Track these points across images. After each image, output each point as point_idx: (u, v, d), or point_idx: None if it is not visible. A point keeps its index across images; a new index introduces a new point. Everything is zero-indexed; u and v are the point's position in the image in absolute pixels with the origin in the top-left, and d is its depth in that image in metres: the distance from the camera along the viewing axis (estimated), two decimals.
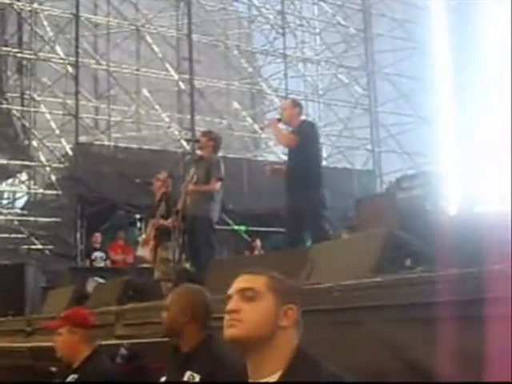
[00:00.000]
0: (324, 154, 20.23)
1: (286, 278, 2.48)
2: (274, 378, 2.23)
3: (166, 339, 5.24)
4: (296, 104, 7.85)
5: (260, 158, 19.76)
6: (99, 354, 4.56)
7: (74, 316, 4.62)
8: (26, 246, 15.57)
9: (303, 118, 7.90)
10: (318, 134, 8.00)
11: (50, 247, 15.42)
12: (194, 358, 3.48)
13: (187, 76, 17.96)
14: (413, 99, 20.33)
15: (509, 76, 17.24)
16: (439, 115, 20.46)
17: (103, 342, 5.22)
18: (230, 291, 2.41)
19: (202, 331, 3.58)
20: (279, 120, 7.65)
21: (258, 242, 14.92)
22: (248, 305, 2.33)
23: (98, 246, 13.88)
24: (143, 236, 9.92)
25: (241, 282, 2.44)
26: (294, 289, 2.49)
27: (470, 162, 18.18)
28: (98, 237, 14.00)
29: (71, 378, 4.42)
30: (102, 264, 13.52)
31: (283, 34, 19.80)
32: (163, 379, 3.65)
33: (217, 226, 8.68)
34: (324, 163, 20.19)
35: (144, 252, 10.07)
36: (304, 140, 7.35)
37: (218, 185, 8.36)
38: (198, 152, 9.95)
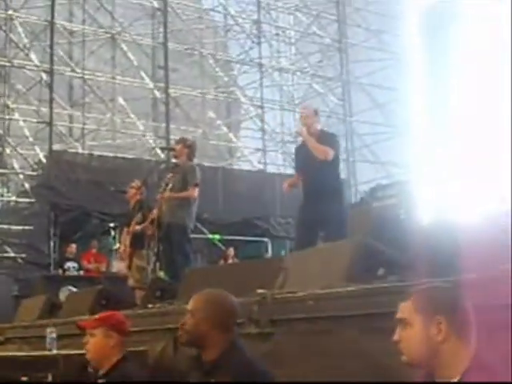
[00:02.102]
0: None
1: (428, 291, 2.54)
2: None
3: (141, 349, 5.23)
4: (317, 112, 7.71)
5: (235, 167, 19.76)
6: (128, 361, 4.27)
7: (112, 319, 4.33)
8: None
9: (319, 127, 7.66)
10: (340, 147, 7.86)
11: (23, 255, 15.27)
12: (220, 367, 3.30)
13: (162, 84, 17.93)
14: (387, 109, 20.46)
15: (483, 86, 17.41)
16: (413, 125, 20.58)
17: (76, 352, 5.17)
18: None
19: (227, 338, 3.38)
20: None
21: (232, 251, 14.94)
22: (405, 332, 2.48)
23: (71, 256, 13.82)
24: (118, 246, 9.89)
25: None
26: (438, 299, 2.49)
27: (444, 171, 18.29)
28: (72, 247, 13.93)
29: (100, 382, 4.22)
30: (74, 273, 13.44)
31: (259, 44, 19.83)
32: None
33: (191, 235, 8.67)
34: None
35: (120, 266, 10.03)
36: (336, 153, 7.32)
37: (195, 192, 8.36)
38: (174, 160, 9.95)
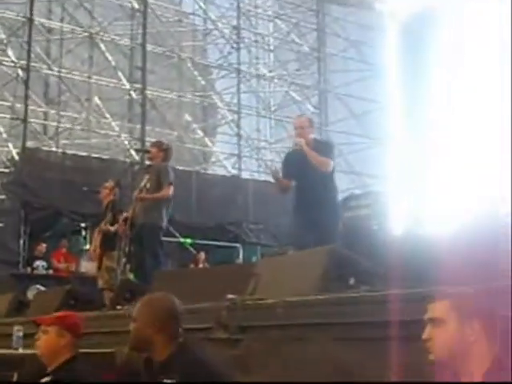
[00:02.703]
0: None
1: (468, 294, 2.59)
2: None
3: (109, 350, 5.19)
4: (311, 122, 7.62)
5: (209, 172, 19.73)
6: (78, 361, 4.28)
7: (68, 319, 4.39)
8: None
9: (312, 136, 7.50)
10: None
11: None
12: (170, 367, 3.32)
13: (139, 86, 17.87)
14: (363, 120, 20.56)
15: (461, 97, 17.55)
16: (389, 136, 20.69)
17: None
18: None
19: (174, 340, 3.42)
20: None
21: (203, 255, 14.92)
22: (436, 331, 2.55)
23: (41, 255, 13.72)
24: (89, 246, 9.85)
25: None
26: (477, 303, 2.56)
27: (418, 183, 18.39)
28: (42, 246, 13.84)
29: (44, 380, 4.23)
30: (43, 272, 13.34)
31: (238, 49, 19.84)
32: None
33: (163, 238, 8.66)
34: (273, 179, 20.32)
35: (88, 266, 9.97)
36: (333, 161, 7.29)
37: (170, 190, 8.38)
38: (148, 162, 9.94)
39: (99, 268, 9.19)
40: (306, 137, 7.22)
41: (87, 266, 11.17)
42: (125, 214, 8.58)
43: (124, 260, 8.19)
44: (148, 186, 8.35)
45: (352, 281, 4.41)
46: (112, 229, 9.00)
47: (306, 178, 7.18)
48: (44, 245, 13.88)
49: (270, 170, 8.10)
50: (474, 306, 2.53)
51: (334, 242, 6.64)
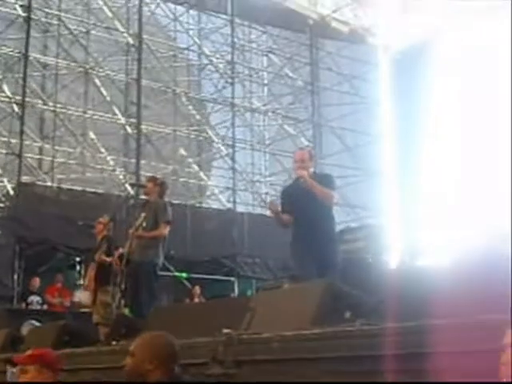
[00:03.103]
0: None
1: None
2: None
3: None
4: (312, 155, 7.57)
5: (204, 205, 19.74)
6: None
7: (44, 356, 4.42)
8: None
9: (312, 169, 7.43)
10: None
11: None
12: None
13: (134, 120, 17.94)
14: (357, 153, 20.64)
15: (454, 130, 17.62)
16: (383, 169, 20.76)
17: None
18: None
19: (170, 377, 3.48)
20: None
21: (198, 289, 14.88)
22: None
23: (35, 290, 13.66)
24: (83, 281, 9.82)
25: None
26: None
27: (414, 216, 18.41)
28: (36, 281, 13.79)
29: None
30: (38, 308, 13.27)
31: (232, 84, 19.95)
32: None
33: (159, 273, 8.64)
34: (268, 213, 20.37)
35: (82, 297, 9.92)
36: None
37: (166, 229, 8.39)
38: (143, 197, 9.95)
39: (94, 303, 9.15)
40: (306, 170, 7.18)
41: (81, 296, 11.12)
42: (120, 250, 8.57)
43: (119, 295, 8.16)
44: (144, 224, 8.35)
45: (348, 314, 4.40)
46: (108, 260, 8.98)
47: (306, 211, 7.10)
48: (37, 279, 13.84)
49: (269, 204, 8.00)
50: None
51: (335, 275, 6.66)
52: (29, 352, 4.56)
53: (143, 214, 8.45)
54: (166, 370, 3.47)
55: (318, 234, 6.99)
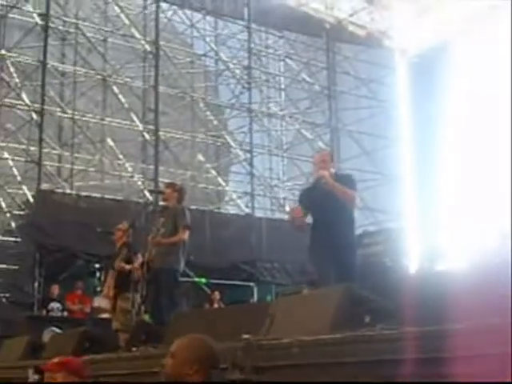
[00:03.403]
0: (287, 208, 20.34)
1: None
2: None
3: None
4: (332, 157, 7.48)
5: (223, 211, 19.77)
6: None
7: (72, 364, 4.43)
8: None
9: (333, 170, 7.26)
10: None
11: (7, 295, 15.15)
12: None
13: (152, 127, 18.00)
14: (375, 156, 20.60)
15: (472, 133, 17.56)
16: (401, 173, 20.71)
17: None
18: None
19: (205, 381, 3.44)
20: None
21: (217, 295, 14.90)
22: None
23: (54, 297, 13.74)
24: (102, 288, 9.85)
25: None
26: None
27: (432, 219, 18.34)
28: (55, 288, 13.88)
29: None
30: (58, 314, 13.35)
31: (249, 89, 19.98)
32: None
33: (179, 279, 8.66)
34: (286, 217, 20.39)
35: (101, 302, 9.96)
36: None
37: (186, 234, 8.39)
38: (162, 203, 9.98)
39: (113, 309, 9.18)
40: (325, 169, 7.04)
41: (100, 302, 11.17)
42: (140, 259, 8.59)
43: (139, 301, 8.18)
44: (162, 230, 8.37)
45: (367, 319, 4.40)
46: (127, 267, 9.00)
47: (326, 214, 6.96)
48: (56, 286, 13.92)
49: (289, 209, 7.85)
50: None
51: (353, 279, 6.62)
52: (56, 359, 4.57)
53: (161, 220, 8.48)
54: (205, 374, 3.44)
55: (337, 237, 6.85)
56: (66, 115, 17.63)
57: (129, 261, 9.09)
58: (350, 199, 7.04)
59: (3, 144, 16.90)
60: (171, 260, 8.33)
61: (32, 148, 16.55)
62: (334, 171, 7.28)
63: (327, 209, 6.96)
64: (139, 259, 8.94)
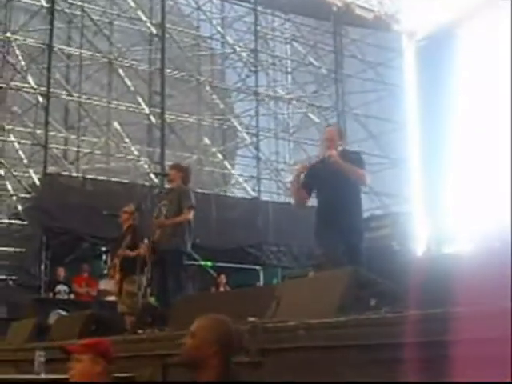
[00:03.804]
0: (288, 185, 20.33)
1: None
2: None
3: (130, 374, 5.19)
4: (341, 133, 7.31)
5: (229, 194, 19.77)
6: None
7: (99, 345, 4.36)
8: None
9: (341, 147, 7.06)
10: None
11: (14, 278, 15.20)
12: None
13: (158, 110, 17.97)
14: (382, 140, 20.55)
15: (479, 116, 17.48)
16: (408, 157, 20.65)
17: (65, 376, 5.12)
18: None
19: (224, 363, 3.42)
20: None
21: (223, 278, 14.92)
22: None
23: (60, 279, 13.77)
24: (109, 270, 9.86)
25: None
26: None
27: (439, 203, 18.30)
28: (61, 271, 13.91)
29: None
30: (65, 297, 13.39)
31: (256, 72, 19.92)
32: None
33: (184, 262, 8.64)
34: (292, 201, 20.39)
35: (107, 285, 9.99)
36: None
37: (190, 214, 8.35)
38: (167, 186, 9.97)
39: (120, 293, 9.19)
40: (335, 149, 6.88)
41: (106, 285, 11.20)
42: (146, 241, 8.57)
43: (145, 284, 8.19)
44: (164, 211, 8.34)
45: (373, 302, 4.39)
46: (131, 254, 9.00)
47: (334, 193, 6.79)
48: (62, 269, 13.95)
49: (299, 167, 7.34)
50: None
51: (361, 260, 6.53)
52: (83, 341, 4.53)
53: (163, 202, 8.46)
54: (223, 357, 3.41)
55: (343, 218, 6.70)
56: (72, 98, 17.60)
57: (134, 245, 9.08)
58: (360, 177, 6.84)
59: (9, 127, 16.88)
60: (177, 241, 8.29)
61: (38, 131, 16.54)
62: (342, 148, 7.07)
63: (334, 189, 6.79)
64: (146, 243, 8.94)
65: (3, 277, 15.26)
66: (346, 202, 6.78)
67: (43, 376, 5.61)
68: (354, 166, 6.80)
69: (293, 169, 20.99)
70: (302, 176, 7.10)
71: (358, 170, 6.79)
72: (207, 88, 19.79)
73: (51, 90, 16.63)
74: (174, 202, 8.39)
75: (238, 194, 19.69)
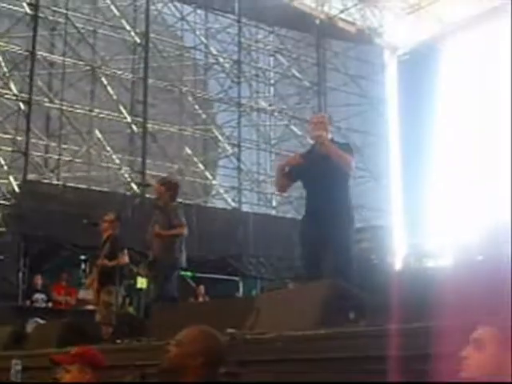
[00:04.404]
0: (273, 203, 20.35)
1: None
2: None
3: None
4: (331, 120, 7.09)
5: (210, 205, 19.74)
6: None
7: (87, 355, 4.35)
8: None
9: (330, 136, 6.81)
10: None
11: None
12: None
13: (140, 119, 17.95)
14: (363, 153, 20.61)
15: (460, 131, 17.59)
16: (389, 170, 20.76)
17: None
18: None
19: (207, 374, 3.30)
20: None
21: (202, 289, 14.89)
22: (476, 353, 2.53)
23: (38, 287, 13.69)
24: (87, 279, 9.84)
25: None
26: None
27: (419, 217, 18.39)
28: (38, 279, 13.85)
29: None
30: (43, 305, 13.30)
31: (238, 83, 19.95)
32: None
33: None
34: (273, 212, 20.41)
35: (86, 294, 9.95)
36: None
37: (184, 230, 8.45)
38: (148, 195, 9.97)
39: (97, 302, 9.16)
40: (321, 130, 6.69)
41: (85, 294, 11.15)
42: (126, 255, 8.61)
43: (124, 294, 8.18)
44: (157, 228, 8.42)
45: (352, 315, 4.40)
46: (109, 264, 8.98)
47: (321, 180, 6.55)
48: (39, 277, 13.87)
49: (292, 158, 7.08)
50: None
51: (347, 258, 6.42)
52: (72, 350, 4.48)
53: (154, 218, 8.51)
54: (207, 370, 3.30)
55: (329, 209, 6.47)
56: (53, 106, 17.54)
57: (112, 255, 9.07)
58: (347, 163, 6.60)
59: None
60: (173, 257, 8.39)
61: (19, 138, 16.44)
62: (331, 137, 6.88)
63: (322, 175, 6.57)
64: (125, 255, 8.97)
65: None
66: (333, 188, 6.53)
67: None
68: (341, 151, 6.60)
69: (273, 181, 21.03)
70: (287, 168, 6.90)
71: (344, 154, 6.57)
72: (190, 98, 19.79)
73: (33, 97, 16.56)
74: (164, 220, 8.44)
75: (219, 204, 19.67)
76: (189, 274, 15.92)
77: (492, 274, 3.48)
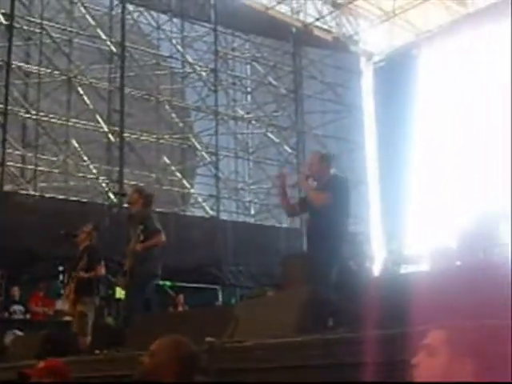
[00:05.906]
0: (252, 212, 20.36)
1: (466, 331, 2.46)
2: None
3: None
4: (324, 159, 7.49)
5: (188, 213, 19.71)
6: None
7: (57, 368, 4.34)
8: None
9: (333, 171, 7.49)
10: (348, 189, 7.44)
11: None
12: None
13: (117, 128, 17.90)
14: (340, 160, 20.69)
15: (437, 137, 17.71)
16: (366, 177, 20.86)
17: None
18: None
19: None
20: (307, 177, 7.43)
21: (182, 298, 14.86)
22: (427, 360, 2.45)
23: (16, 298, 13.60)
24: (65, 290, 9.78)
25: None
26: (473, 341, 2.41)
27: (396, 223, 18.48)
28: (15, 290, 13.76)
29: None
30: (21, 317, 13.20)
31: (215, 92, 19.96)
32: None
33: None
34: (252, 220, 20.42)
35: (64, 305, 9.90)
36: (333, 197, 7.07)
37: (162, 236, 8.44)
38: (126, 205, 9.94)
39: (74, 314, 9.12)
40: (314, 172, 7.33)
41: (63, 305, 11.09)
42: (103, 266, 8.58)
43: (102, 304, 8.15)
44: (141, 237, 8.38)
45: (331, 322, 4.41)
46: (86, 275, 8.96)
47: (311, 214, 7.37)
48: (16, 288, 13.78)
49: (279, 175, 8.28)
50: (468, 344, 2.37)
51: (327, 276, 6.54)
52: (41, 364, 4.46)
53: (139, 228, 8.45)
54: (182, 379, 3.29)
55: (317, 236, 7.05)
56: (29, 116, 17.45)
57: (90, 267, 9.04)
58: (320, 202, 7.11)
59: None
60: (149, 266, 8.36)
61: None
62: (333, 173, 7.48)
63: (312, 211, 7.32)
64: (102, 266, 8.95)
65: None
66: (319, 223, 7.13)
67: None
68: (314, 191, 7.26)
69: (251, 189, 21.03)
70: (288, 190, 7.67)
71: (316, 194, 7.20)
72: (167, 107, 19.77)
73: (9, 107, 16.47)
74: (140, 227, 8.40)
75: (197, 213, 19.65)
76: (168, 283, 15.88)
77: (469, 280, 3.50)
